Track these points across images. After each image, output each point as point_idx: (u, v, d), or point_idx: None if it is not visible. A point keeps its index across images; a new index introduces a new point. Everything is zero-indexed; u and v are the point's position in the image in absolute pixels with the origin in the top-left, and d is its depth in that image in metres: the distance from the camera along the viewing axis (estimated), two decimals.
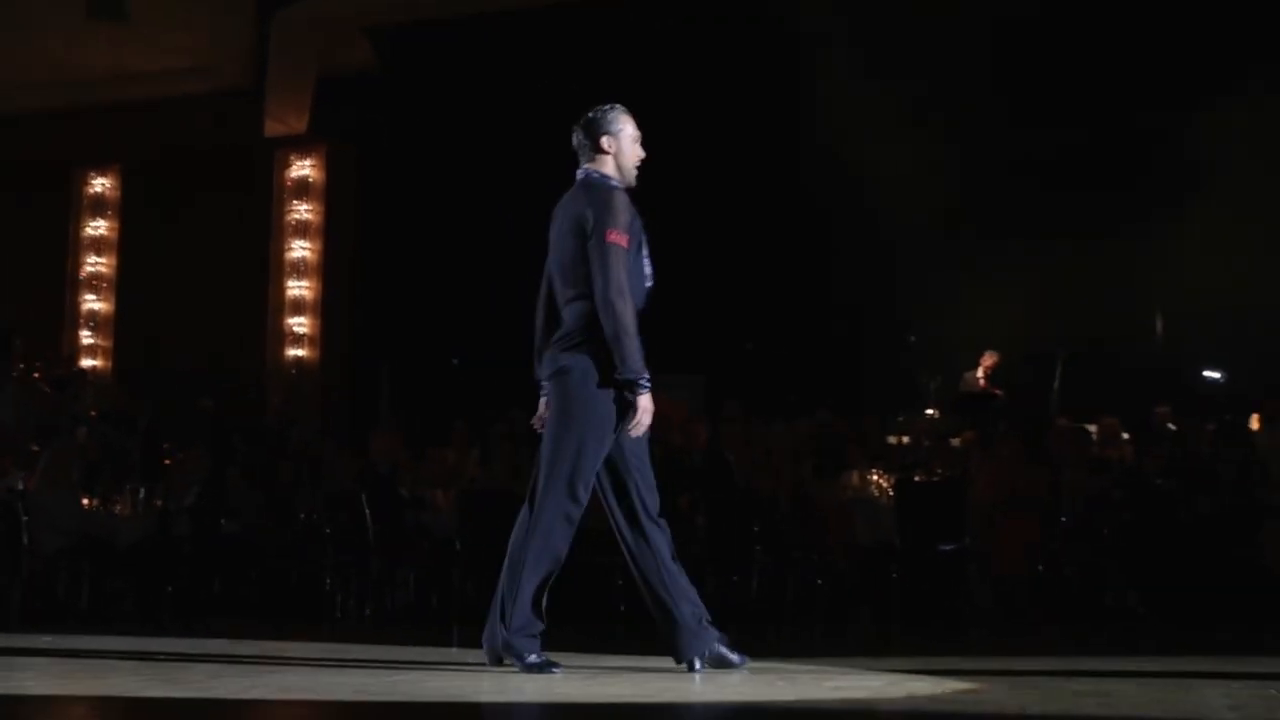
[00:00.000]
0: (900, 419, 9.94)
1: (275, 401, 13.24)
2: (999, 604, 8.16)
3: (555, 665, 4.25)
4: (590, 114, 4.38)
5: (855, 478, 8.53)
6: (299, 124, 13.83)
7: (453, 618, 8.51)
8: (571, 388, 4.25)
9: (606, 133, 4.35)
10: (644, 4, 12.05)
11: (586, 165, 4.36)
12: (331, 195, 13.95)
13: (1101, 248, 10.62)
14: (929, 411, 10.30)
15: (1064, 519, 8.21)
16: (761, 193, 11.51)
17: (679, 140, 11.82)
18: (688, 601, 4.29)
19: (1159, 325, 10.75)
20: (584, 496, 4.30)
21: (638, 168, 4.40)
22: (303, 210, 13.93)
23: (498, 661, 4.29)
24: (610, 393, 4.22)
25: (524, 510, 4.35)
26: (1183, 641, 6.52)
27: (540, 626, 4.27)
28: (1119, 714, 3.52)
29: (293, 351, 13.80)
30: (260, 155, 13.86)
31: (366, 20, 13.32)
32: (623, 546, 4.37)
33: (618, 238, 4.22)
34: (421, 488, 9.53)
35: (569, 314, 4.30)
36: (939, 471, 8.64)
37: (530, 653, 4.23)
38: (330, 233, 13.89)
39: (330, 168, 13.94)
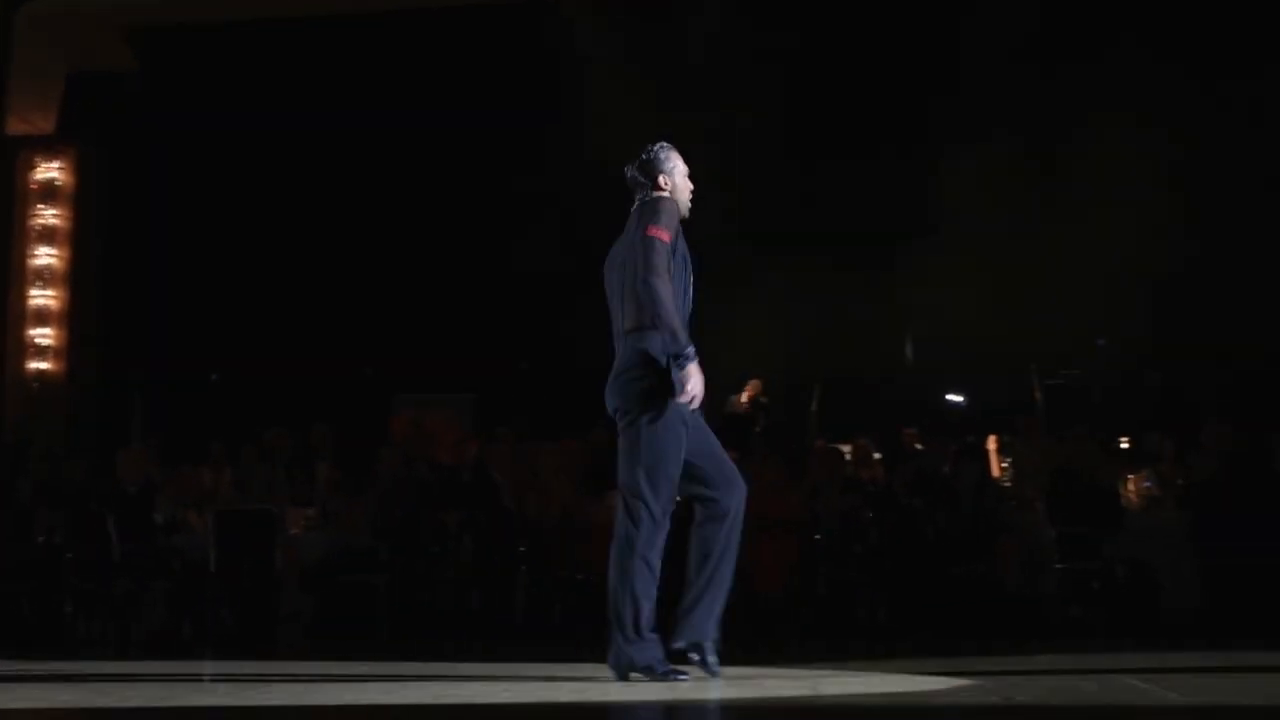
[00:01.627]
0: None
1: (14, 417, 12.61)
2: (756, 621, 8.40)
3: (681, 673, 4.48)
4: (644, 155, 4.70)
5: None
6: (46, 124, 13.24)
7: (205, 640, 8.33)
8: (641, 425, 4.45)
9: (662, 172, 4.67)
10: (411, 18, 12.06)
11: (643, 197, 4.65)
12: (81, 200, 13.39)
13: (858, 279, 11.21)
14: None
15: (818, 537, 8.63)
16: (534, 213, 11.67)
17: (442, 158, 12.04)
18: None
19: (909, 352, 11.45)
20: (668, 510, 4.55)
21: (690, 200, 4.71)
22: (49, 215, 13.34)
23: (625, 676, 4.51)
24: (677, 417, 4.44)
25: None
26: (935, 650, 6.85)
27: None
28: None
29: (35, 364, 13.17)
30: (2, 156, 13.20)
31: (123, 18, 12.87)
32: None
33: (657, 231, 4.45)
34: (175, 508, 9.30)
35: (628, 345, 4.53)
36: None
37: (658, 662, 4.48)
38: (79, 239, 13.33)
39: (80, 171, 13.39)
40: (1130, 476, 9.03)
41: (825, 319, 11.28)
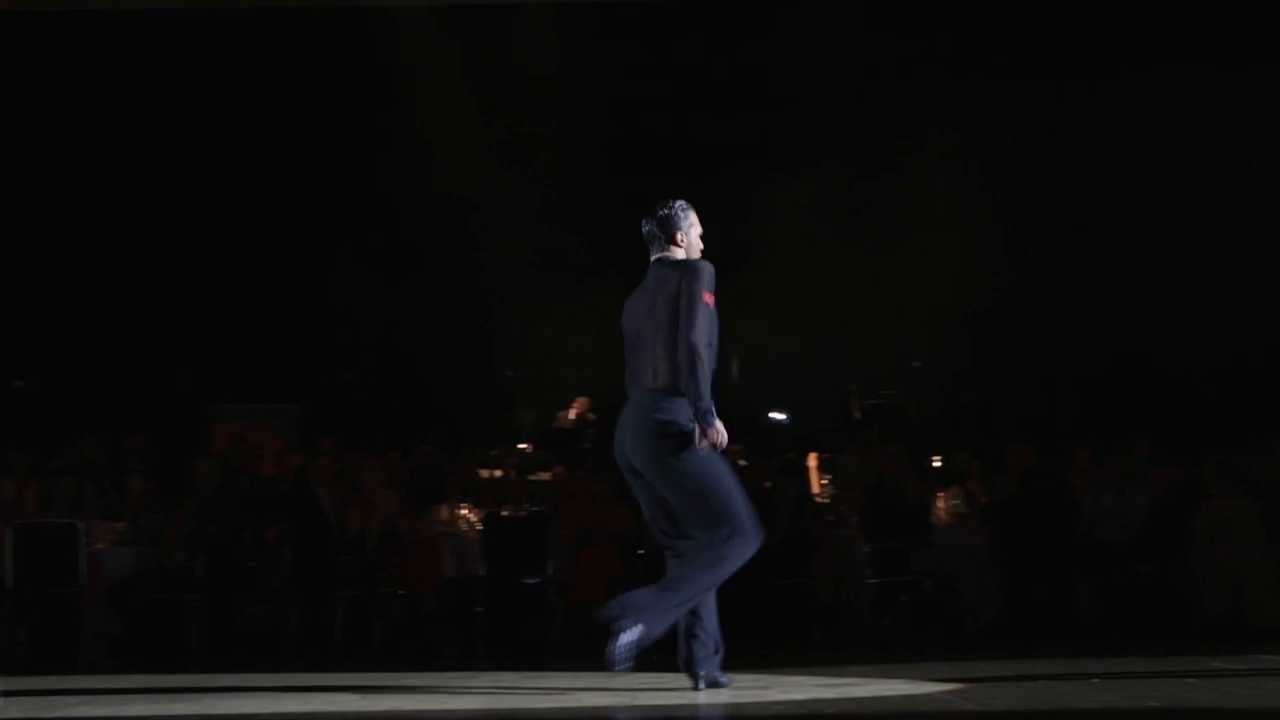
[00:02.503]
0: (494, 453, 10.33)
1: None
2: (579, 632, 8.52)
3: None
4: (664, 211, 4.99)
5: (445, 512, 8.82)
6: None
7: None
8: (673, 444, 4.73)
9: (679, 229, 4.98)
10: (242, 18, 11.86)
11: (661, 254, 4.96)
12: None
13: None
14: (521, 446, 10.76)
15: (642, 551, 8.82)
16: (359, 225, 11.61)
17: (264, 163, 11.82)
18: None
19: (734, 369, 11.76)
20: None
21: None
22: None
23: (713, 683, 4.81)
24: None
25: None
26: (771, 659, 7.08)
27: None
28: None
29: None
30: None
31: None
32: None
33: (709, 298, 4.80)
34: None
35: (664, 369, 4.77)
36: (527, 506, 9.06)
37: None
38: None
39: None
40: (941, 494, 9.46)
41: None
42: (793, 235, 10.97)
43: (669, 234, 4.97)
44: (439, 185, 11.04)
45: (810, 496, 9.67)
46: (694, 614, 4.83)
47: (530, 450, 10.67)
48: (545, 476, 9.90)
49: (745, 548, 4.83)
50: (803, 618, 8.79)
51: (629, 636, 4.63)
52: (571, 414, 11.04)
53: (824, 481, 10.23)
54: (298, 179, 11.84)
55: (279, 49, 11.68)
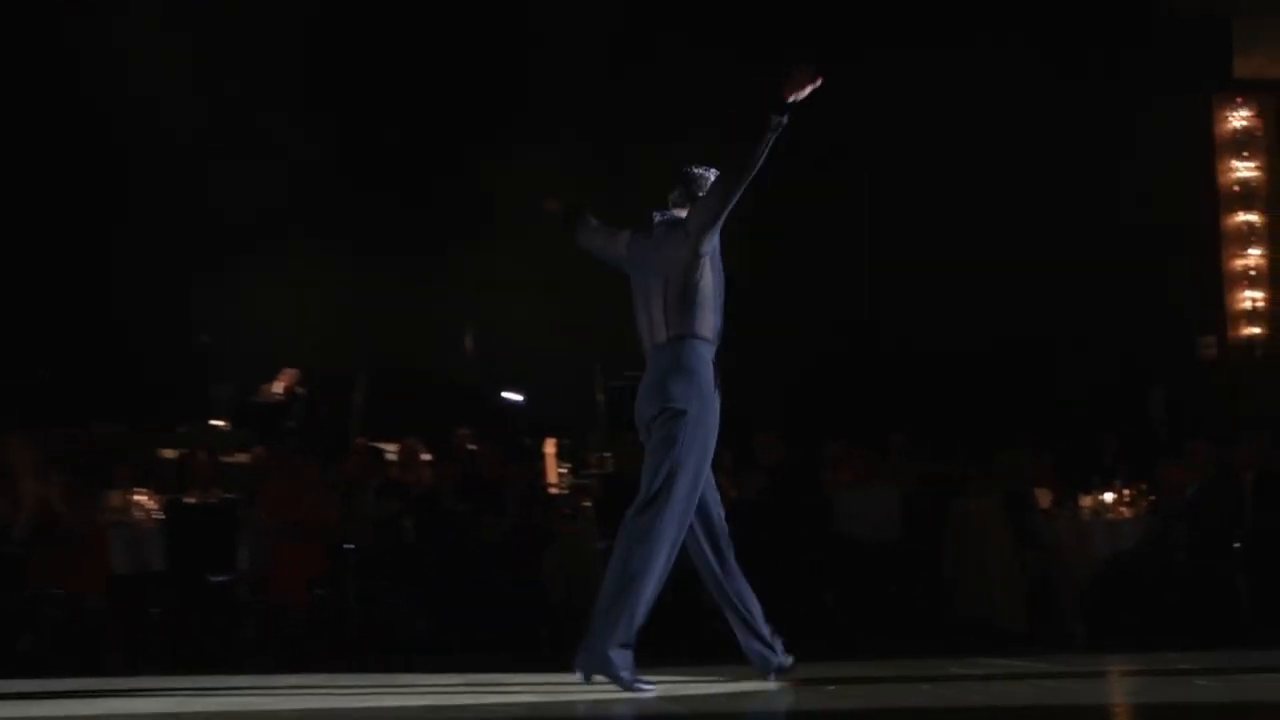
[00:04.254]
0: (182, 431, 9.87)
1: None
2: (272, 634, 8.33)
3: (647, 683, 5.11)
4: (692, 170, 5.41)
5: (117, 498, 8.33)
6: None
7: None
8: (686, 423, 5.12)
9: (701, 193, 5.31)
10: None
11: (677, 211, 5.37)
12: None
13: (415, 269, 11.25)
14: (216, 423, 10.32)
15: (351, 545, 8.56)
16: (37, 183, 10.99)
17: None
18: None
19: (468, 344, 11.58)
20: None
21: None
22: None
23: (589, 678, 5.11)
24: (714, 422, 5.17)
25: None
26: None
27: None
28: None
29: None
30: None
31: None
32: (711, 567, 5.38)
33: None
34: None
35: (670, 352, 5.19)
36: (218, 492, 8.67)
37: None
38: None
39: None
40: None
41: (377, 308, 11.25)
42: (537, 205, 10.90)
43: (692, 194, 5.35)
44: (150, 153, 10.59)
45: (544, 487, 9.59)
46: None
47: (227, 428, 10.24)
48: (243, 458, 9.50)
49: (673, 527, 5.16)
50: (530, 619, 8.71)
51: (619, 669, 5.05)
52: (278, 387, 10.72)
53: (562, 470, 10.17)
54: None
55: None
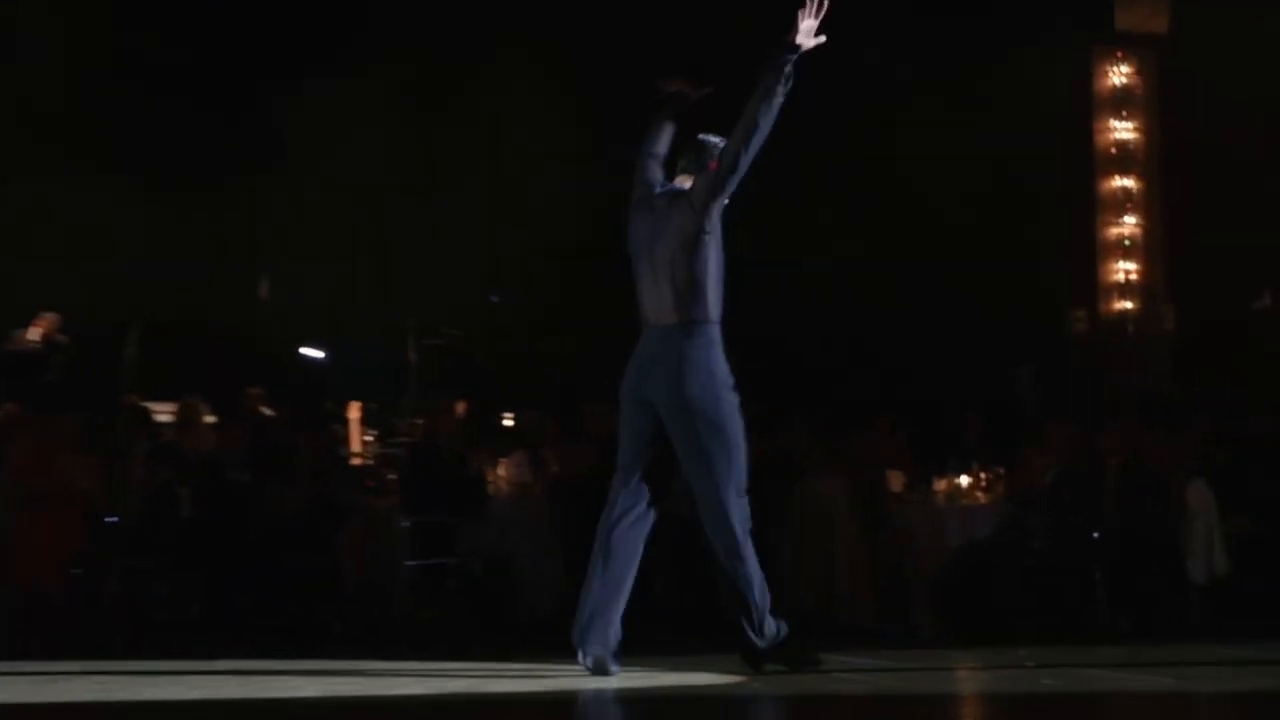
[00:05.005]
0: None
1: None
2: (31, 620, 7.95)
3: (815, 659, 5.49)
4: (705, 139, 5.51)
5: None
6: None
7: None
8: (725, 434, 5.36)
9: (714, 162, 5.44)
10: None
11: (685, 179, 5.52)
12: None
13: (202, 200, 10.93)
14: None
15: (114, 518, 8.15)
16: None
17: None
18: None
19: (263, 290, 11.15)
20: None
21: None
22: None
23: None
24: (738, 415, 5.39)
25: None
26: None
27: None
28: None
29: None
30: None
31: None
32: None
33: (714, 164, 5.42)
34: None
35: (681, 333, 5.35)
36: None
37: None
38: None
39: None
40: (504, 460, 9.22)
41: (157, 247, 10.84)
42: (346, 139, 10.71)
43: (703, 163, 5.46)
44: None
45: (342, 457, 9.24)
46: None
47: None
48: None
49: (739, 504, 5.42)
50: (323, 604, 8.49)
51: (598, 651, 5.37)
52: (34, 334, 10.26)
53: (368, 438, 9.82)
54: None
55: None
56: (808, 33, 5.27)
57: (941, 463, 9.51)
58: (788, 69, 5.26)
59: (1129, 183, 13.56)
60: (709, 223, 5.38)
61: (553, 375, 11.22)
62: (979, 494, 9.25)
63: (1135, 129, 13.54)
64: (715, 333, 5.39)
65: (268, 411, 9.70)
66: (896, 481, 9.36)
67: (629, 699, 4.99)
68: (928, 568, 8.86)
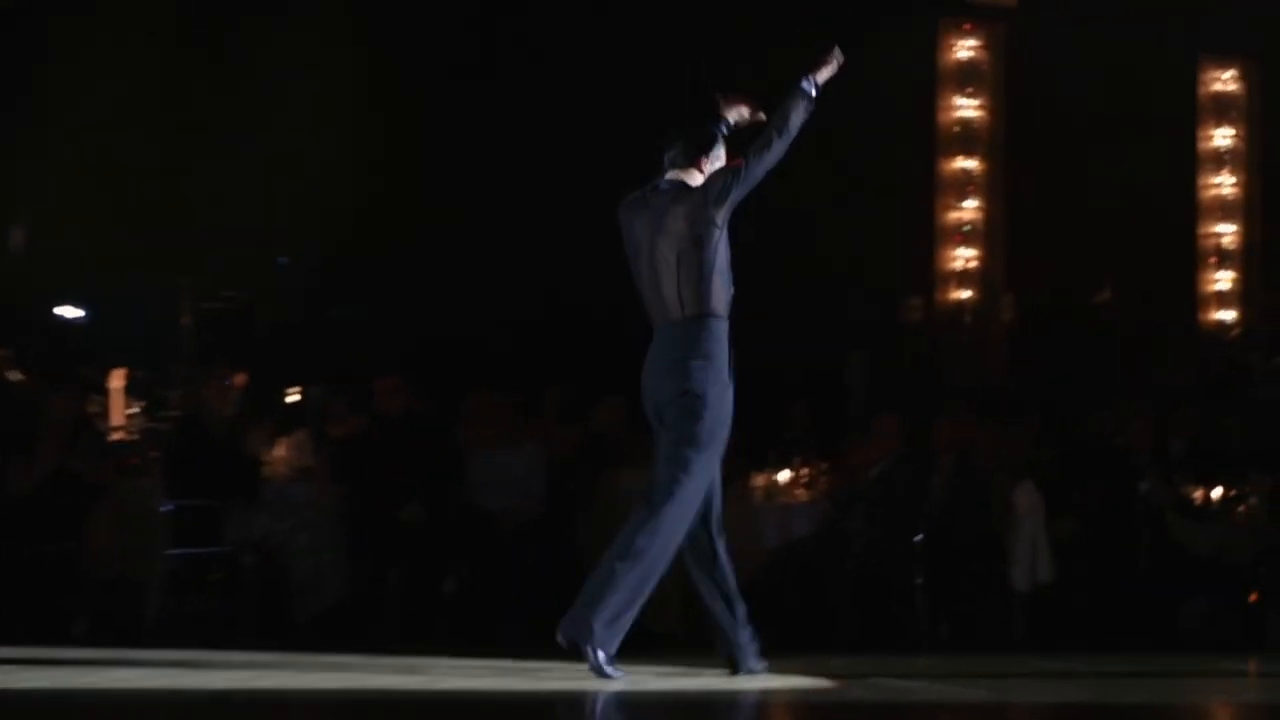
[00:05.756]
0: None
1: None
2: None
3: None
4: (701, 130, 5.84)
5: None
6: None
7: None
8: (708, 404, 5.66)
9: (707, 155, 5.83)
10: None
11: (679, 174, 5.83)
12: None
13: None
14: None
15: None
16: None
17: None
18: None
19: (16, 239, 10.81)
20: None
21: None
22: None
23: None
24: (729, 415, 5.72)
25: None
26: None
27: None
28: None
29: None
30: None
31: None
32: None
33: (737, 161, 5.77)
34: None
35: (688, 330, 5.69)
36: None
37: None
38: None
39: None
40: (284, 438, 9.02)
41: None
42: (113, 71, 10.34)
43: (695, 155, 5.80)
44: None
45: (99, 431, 8.91)
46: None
47: None
48: None
49: (687, 506, 5.64)
50: (67, 595, 8.24)
51: (598, 646, 5.43)
52: None
53: (131, 411, 9.58)
54: None
55: None
56: (827, 72, 5.87)
57: (761, 456, 9.52)
58: (811, 104, 5.80)
59: (971, 164, 13.71)
60: (721, 218, 5.69)
61: (343, 347, 10.99)
62: (799, 491, 9.26)
63: (980, 107, 13.70)
64: (722, 327, 5.71)
65: (15, 376, 9.34)
66: None
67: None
68: (741, 570, 8.81)
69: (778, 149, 5.70)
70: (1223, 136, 14.53)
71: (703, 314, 5.67)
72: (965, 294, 13.76)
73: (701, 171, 5.82)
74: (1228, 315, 14.48)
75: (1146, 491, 9.42)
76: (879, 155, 12.59)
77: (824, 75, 5.83)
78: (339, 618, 8.41)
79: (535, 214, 11.53)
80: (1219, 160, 14.53)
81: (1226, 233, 14.51)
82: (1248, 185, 14.52)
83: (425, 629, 8.39)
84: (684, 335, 5.69)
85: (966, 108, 13.69)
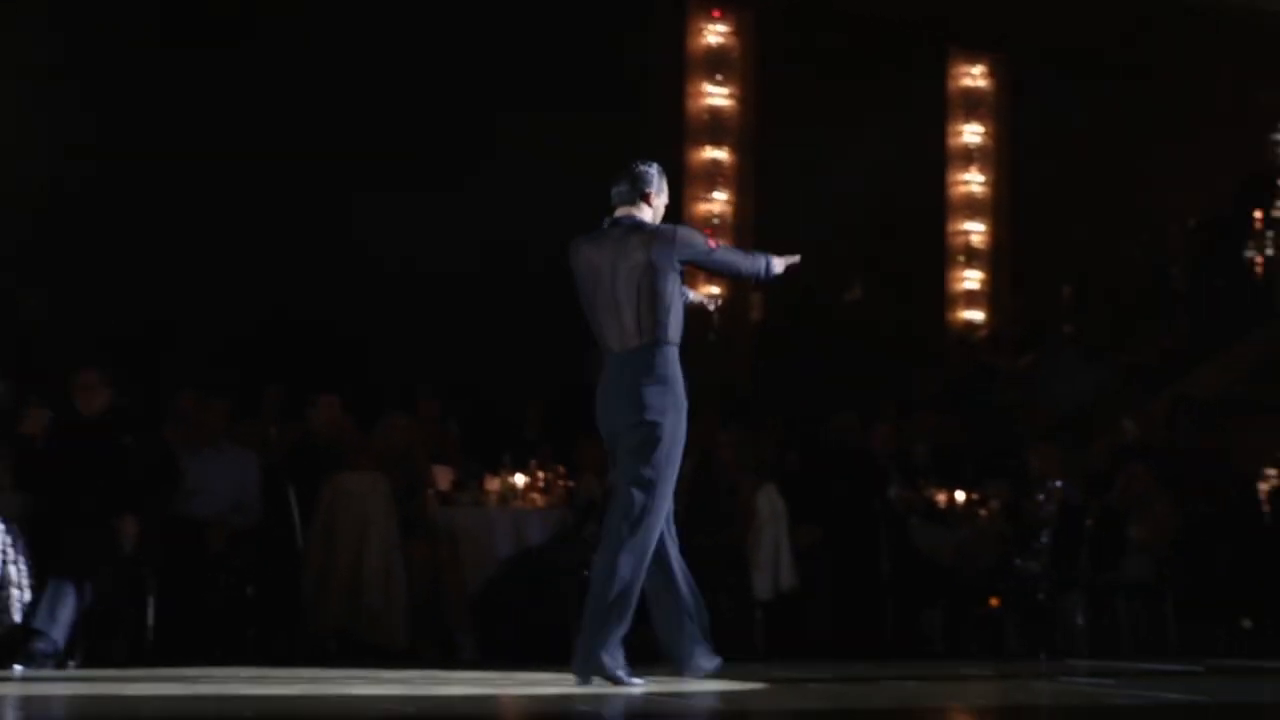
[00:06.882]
0: None
1: None
2: None
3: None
4: (640, 168, 6.53)
5: None
6: None
7: None
8: (663, 430, 6.33)
9: (651, 189, 6.52)
10: None
11: (629, 210, 6.48)
12: None
13: None
14: None
15: None
16: None
17: None
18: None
19: None
20: None
21: None
22: None
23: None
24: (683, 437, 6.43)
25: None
26: None
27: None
28: None
29: None
30: None
31: None
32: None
33: (714, 242, 6.67)
34: None
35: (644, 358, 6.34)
36: None
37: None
38: None
39: None
40: None
41: None
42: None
43: (641, 191, 6.48)
44: None
45: None
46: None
47: None
48: None
49: (655, 527, 6.33)
50: None
51: (613, 669, 6.19)
52: None
53: None
54: None
55: None
56: (781, 266, 6.60)
57: (495, 458, 9.50)
58: (756, 278, 6.70)
59: (721, 155, 13.92)
60: (679, 266, 6.38)
61: (29, 336, 10.60)
62: (535, 495, 9.28)
63: (729, 95, 13.91)
64: (674, 354, 6.35)
65: None
66: (444, 479, 9.28)
67: None
68: (472, 579, 8.82)
69: (740, 265, 6.64)
70: (972, 133, 15.11)
71: (659, 341, 6.32)
72: (713, 290, 13.94)
73: (650, 205, 6.49)
74: (976, 315, 15.04)
75: (894, 496, 9.73)
76: (624, 146, 12.66)
77: (779, 268, 6.60)
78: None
79: (240, 204, 11.44)
80: (968, 157, 15.09)
81: (975, 231, 15.07)
82: (997, 184, 15.10)
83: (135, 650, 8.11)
84: (640, 361, 6.33)
85: (716, 96, 13.90)
